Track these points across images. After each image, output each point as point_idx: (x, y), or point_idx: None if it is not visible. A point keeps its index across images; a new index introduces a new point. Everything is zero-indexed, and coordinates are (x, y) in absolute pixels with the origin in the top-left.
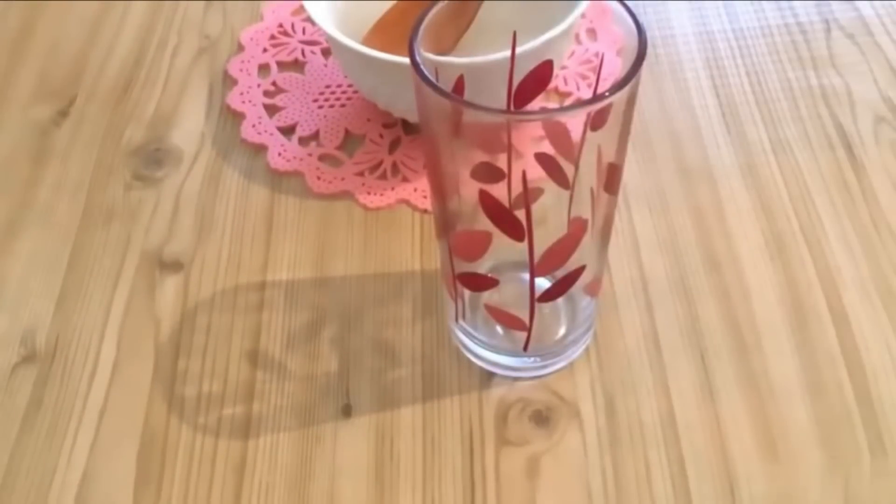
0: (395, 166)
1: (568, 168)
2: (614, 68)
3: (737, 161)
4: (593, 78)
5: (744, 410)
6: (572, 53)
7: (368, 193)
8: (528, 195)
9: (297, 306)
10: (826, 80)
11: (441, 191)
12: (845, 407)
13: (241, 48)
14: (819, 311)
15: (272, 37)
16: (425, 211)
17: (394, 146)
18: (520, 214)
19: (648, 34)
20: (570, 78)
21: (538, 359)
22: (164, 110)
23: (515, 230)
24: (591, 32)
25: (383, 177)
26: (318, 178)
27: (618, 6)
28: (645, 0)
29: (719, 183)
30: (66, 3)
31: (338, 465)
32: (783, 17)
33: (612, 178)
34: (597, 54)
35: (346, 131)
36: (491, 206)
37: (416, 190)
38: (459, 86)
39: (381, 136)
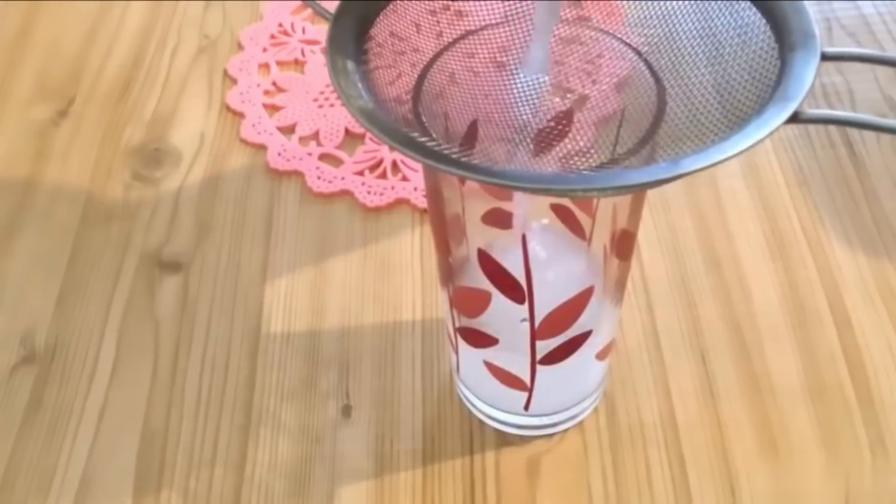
0: (395, 165)
1: (584, 220)
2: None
3: (737, 160)
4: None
5: (744, 410)
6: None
7: (368, 193)
8: (529, 262)
9: (297, 306)
10: (827, 79)
11: (443, 240)
12: (846, 406)
13: (240, 48)
14: (820, 311)
15: (272, 36)
16: (425, 210)
17: None
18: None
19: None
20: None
21: (543, 417)
22: (163, 110)
23: (515, 293)
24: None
25: (383, 176)
26: (318, 177)
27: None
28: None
29: (720, 182)
30: (66, 3)
31: (338, 465)
32: None
33: (623, 243)
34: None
35: (346, 130)
36: (490, 268)
37: (416, 189)
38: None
39: None
